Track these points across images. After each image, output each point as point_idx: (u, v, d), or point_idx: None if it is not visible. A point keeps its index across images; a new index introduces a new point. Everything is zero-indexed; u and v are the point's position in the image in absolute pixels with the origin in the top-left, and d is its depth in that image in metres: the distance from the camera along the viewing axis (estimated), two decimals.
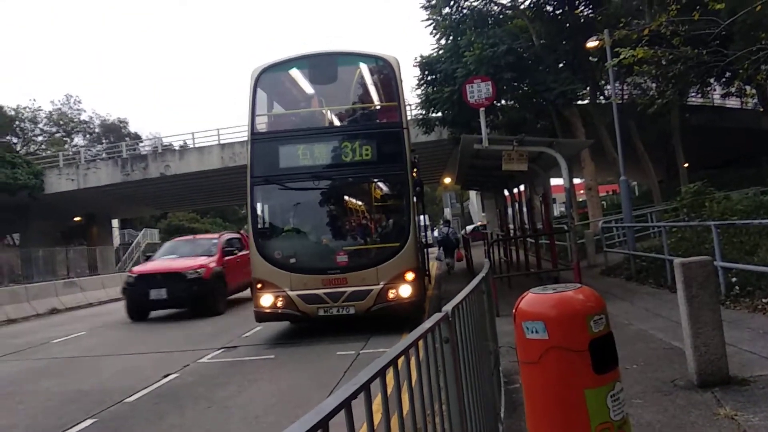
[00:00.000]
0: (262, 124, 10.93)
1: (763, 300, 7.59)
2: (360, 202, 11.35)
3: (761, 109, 30.41)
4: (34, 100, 73.64)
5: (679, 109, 22.62)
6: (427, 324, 2.39)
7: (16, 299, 17.79)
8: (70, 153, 40.96)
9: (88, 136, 53.73)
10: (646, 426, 4.05)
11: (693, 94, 25.93)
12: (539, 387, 2.91)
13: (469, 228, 48.64)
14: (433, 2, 19.25)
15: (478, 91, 10.78)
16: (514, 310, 3.09)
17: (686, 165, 25.40)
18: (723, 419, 4.03)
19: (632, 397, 4.51)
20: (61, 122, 51.01)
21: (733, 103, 31.48)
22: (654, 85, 19.16)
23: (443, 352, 2.54)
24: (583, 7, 19.56)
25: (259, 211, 10.39)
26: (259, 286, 9.73)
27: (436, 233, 33.21)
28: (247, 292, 15.14)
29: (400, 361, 2.00)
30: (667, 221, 14.73)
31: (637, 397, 4.65)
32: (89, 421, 6.05)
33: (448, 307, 2.74)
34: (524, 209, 17.50)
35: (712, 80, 22.05)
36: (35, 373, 8.94)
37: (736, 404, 4.26)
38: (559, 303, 2.94)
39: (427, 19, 19.64)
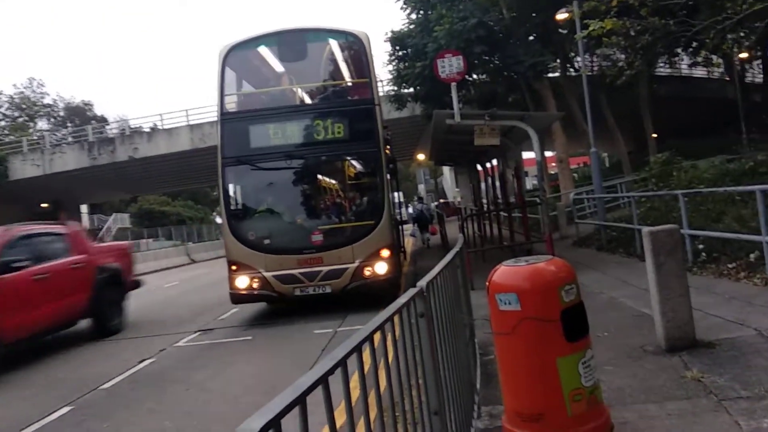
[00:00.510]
0: (231, 104, 10.76)
1: (729, 265, 7.81)
2: (333, 181, 11.31)
3: (727, 78, 30.97)
4: None
5: (648, 79, 22.88)
6: (402, 299, 2.41)
7: None
8: (35, 138, 39.84)
9: (52, 120, 52.28)
10: (616, 390, 4.17)
11: (661, 65, 26.24)
12: (513, 357, 2.98)
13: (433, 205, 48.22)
14: None
15: (449, 65, 10.75)
16: (487, 283, 3.14)
17: (655, 135, 25.80)
18: (690, 381, 4.17)
19: (603, 364, 4.62)
20: (24, 106, 49.50)
21: (700, 73, 31.94)
22: (623, 56, 19.32)
23: (419, 327, 2.57)
24: None
25: (231, 193, 10.28)
26: (233, 268, 9.67)
27: (410, 210, 33.56)
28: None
29: (377, 336, 2.02)
30: (636, 191, 15.01)
31: (608, 363, 4.78)
32: (66, 409, 6.01)
33: (422, 282, 2.76)
34: (497, 183, 17.63)
35: (679, 50, 22.30)
36: (9, 362, 8.78)
37: (702, 367, 4.41)
38: (532, 275, 3.00)
39: None
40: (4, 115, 49.26)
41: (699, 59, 23.79)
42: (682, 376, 4.29)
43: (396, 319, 2.28)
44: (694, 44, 18.46)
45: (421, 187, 47.83)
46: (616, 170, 29.25)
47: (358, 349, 1.79)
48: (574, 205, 16.38)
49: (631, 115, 25.76)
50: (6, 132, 46.68)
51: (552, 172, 32.70)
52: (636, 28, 11.29)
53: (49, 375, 7.67)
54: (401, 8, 19.69)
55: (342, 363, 1.64)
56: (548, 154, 29.51)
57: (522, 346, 2.90)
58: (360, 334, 1.89)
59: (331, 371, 1.55)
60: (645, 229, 5.01)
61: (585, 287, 6.16)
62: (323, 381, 1.49)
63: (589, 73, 18.18)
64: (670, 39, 12.73)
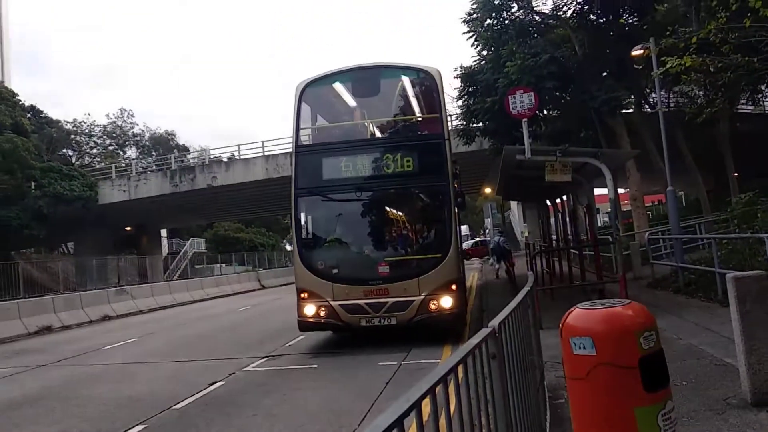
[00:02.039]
0: (305, 137, 11.13)
1: None
2: (402, 213, 11.41)
3: None
4: (89, 114, 76.05)
5: (729, 117, 21.92)
6: (474, 340, 2.42)
7: (70, 306, 18.51)
8: (123, 165, 42.43)
9: (139, 148, 55.39)
10: None
11: (743, 102, 25.11)
12: (587, 404, 2.89)
13: (470, 243, 48.34)
14: (475, 15, 19.20)
15: (521, 101, 10.71)
16: (560, 325, 3.08)
17: (736, 174, 24.55)
18: None
19: (683, 416, 4.40)
20: (114, 135, 52.78)
21: None
22: (702, 93, 18.64)
23: (490, 368, 2.56)
24: (627, 15, 19.22)
25: (302, 222, 10.56)
26: (302, 295, 9.87)
27: (469, 242, 34.01)
28: None
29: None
30: (717, 233, 14.28)
31: (688, 415, 4.54)
32: (140, 427, 6.27)
33: (495, 322, 2.75)
34: (567, 219, 17.23)
35: (763, 87, 21.31)
36: (89, 379, 9.29)
37: None
38: (608, 318, 2.92)
39: (469, 31, 19.61)
40: (96, 143, 52.60)
41: None
42: None
43: (468, 360, 2.28)
44: None
45: (488, 221, 47.29)
46: (693, 210, 27.96)
47: (432, 391, 1.81)
48: (649, 245, 15.75)
49: (710, 152, 24.66)
50: (97, 159, 49.84)
51: (625, 210, 31.64)
52: (717, 65, 10.89)
53: (125, 393, 8.01)
54: (472, 45, 19.84)
55: (417, 405, 1.66)
56: (621, 191, 28.61)
57: (597, 393, 2.82)
58: (433, 375, 1.91)
59: (406, 413, 1.57)
60: (730, 275, 4.78)
61: (661, 332, 5.86)
62: (399, 423, 1.52)
63: (666, 110, 17.63)
64: (753, 76, 12.20)
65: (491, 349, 2.59)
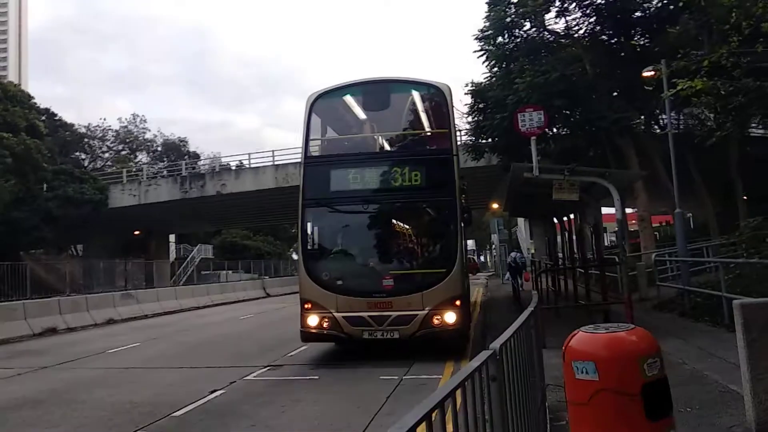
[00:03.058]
0: (315, 148, 11.18)
1: None
2: (408, 227, 11.41)
3: None
4: (105, 119, 75.97)
5: (739, 140, 21.80)
6: (474, 363, 2.40)
7: (76, 308, 18.54)
8: (133, 170, 42.71)
9: (151, 153, 55.71)
10: None
11: (754, 126, 25.00)
12: (588, 430, 2.87)
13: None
14: (487, 33, 19.27)
15: (530, 119, 10.72)
16: (563, 348, 3.07)
17: (745, 198, 24.40)
18: None
19: None
20: (128, 140, 53.14)
21: None
22: (712, 115, 18.57)
23: (490, 391, 2.54)
24: (639, 36, 19.22)
25: (309, 233, 10.57)
26: (306, 306, 9.86)
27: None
28: None
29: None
30: (724, 256, 14.17)
31: None
32: None
33: (496, 345, 2.74)
34: (574, 238, 17.15)
35: None
36: (90, 382, 9.28)
37: None
38: (611, 343, 2.90)
39: (480, 50, 19.66)
40: (108, 147, 52.95)
41: None
42: None
43: (467, 383, 2.26)
44: None
45: (495, 237, 47.14)
46: (701, 232, 27.77)
47: (428, 417, 1.79)
48: (655, 266, 15.65)
49: (719, 175, 24.54)
50: (109, 164, 50.16)
51: (632, 230, 31.47)
52: (728, 89, 10.87)
53: (125, 398, 7.99)
54: (483, 63, 19.88)
55: (412, 431, 1.65)
56: (629, 211, 28.48)
57: (598, 419, 2.79)
58: (431, 400, 1.89)
59: None
60: (737, 302, 4.74)
61: (666, 355, 5.77)
62: None
63: (675, 131, 17.57)
64: (765, 101, 12.16)
65: (492, 371, 2.57)
